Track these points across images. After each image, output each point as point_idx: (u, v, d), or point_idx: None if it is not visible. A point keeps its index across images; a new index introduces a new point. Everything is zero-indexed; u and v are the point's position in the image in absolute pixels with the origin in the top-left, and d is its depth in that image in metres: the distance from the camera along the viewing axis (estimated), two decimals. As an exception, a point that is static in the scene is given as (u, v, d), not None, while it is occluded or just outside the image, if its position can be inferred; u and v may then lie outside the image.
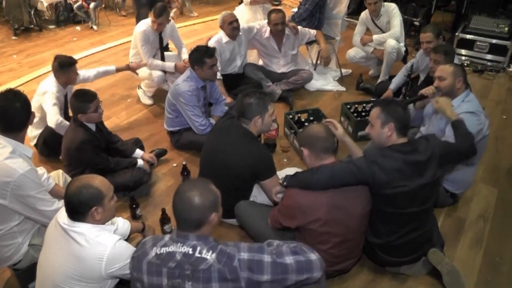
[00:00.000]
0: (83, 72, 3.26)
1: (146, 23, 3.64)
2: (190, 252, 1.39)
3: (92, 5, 6.03)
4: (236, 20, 3.70)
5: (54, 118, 2.78)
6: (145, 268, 1.44)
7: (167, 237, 1.47)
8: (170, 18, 3.72)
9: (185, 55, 3.84)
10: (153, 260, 1.43)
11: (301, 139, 2.05)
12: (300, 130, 3.15)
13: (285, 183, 1.96)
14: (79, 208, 1.56)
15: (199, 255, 1.38)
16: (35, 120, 2.94)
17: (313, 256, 1.51)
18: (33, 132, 3.03)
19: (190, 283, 1.38)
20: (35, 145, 3.05)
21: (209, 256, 1.38)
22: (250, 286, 1.39)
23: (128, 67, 3.62)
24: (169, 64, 3.74)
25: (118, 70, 3.57)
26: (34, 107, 2.92)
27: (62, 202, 1.89)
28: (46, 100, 2.83)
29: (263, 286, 1.41)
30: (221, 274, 1.36)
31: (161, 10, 3.52)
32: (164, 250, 1.42)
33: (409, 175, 1.89)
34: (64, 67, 2.87)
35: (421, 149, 1.94)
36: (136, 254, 1.50)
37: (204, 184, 1.49)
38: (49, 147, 2.99)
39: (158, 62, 3.73)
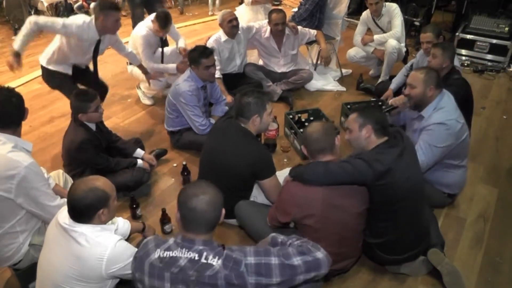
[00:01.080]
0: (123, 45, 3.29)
1: (146, 27, 3.55)
2: (196, 257, 1.37)
3: (92, 5, 6.02)
4: (235, 19, 3.69)
5: (49, 51, 2.97)
6: (147, 269, 1.43)
7: (171, 240, 1.45)
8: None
9: (181, 44, 3.76)
10: (156, 263, 1.42)
11: (302, 136, 2.09)
12: (300, 130, 3.16)
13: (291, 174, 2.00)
14: (87, 211, 1.56)
15: (205, 261, 1.37)
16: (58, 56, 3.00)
17: (320, 254, 1.51)
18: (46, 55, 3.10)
19: None
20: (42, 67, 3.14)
21: (215, 262, 1.37)
22: None
23: (146, 72, 3.52)
24: (172, 66, 3.60)
25: (139, 66, 3.51)
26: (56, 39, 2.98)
27: (64, 200, 1.89)
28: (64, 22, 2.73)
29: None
30: (227, 280, 1.35)
31: (166, 21, 3.43)
32: (167, 254, 1.40)
33: (403, 165, 1.91)
34: (104, 9, 2.71)
35: (403, 138, 2.00)
36: (138, 255, 1.49)
37: (210, 184, 1.49)
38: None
39: (160, 65, 3.63)
